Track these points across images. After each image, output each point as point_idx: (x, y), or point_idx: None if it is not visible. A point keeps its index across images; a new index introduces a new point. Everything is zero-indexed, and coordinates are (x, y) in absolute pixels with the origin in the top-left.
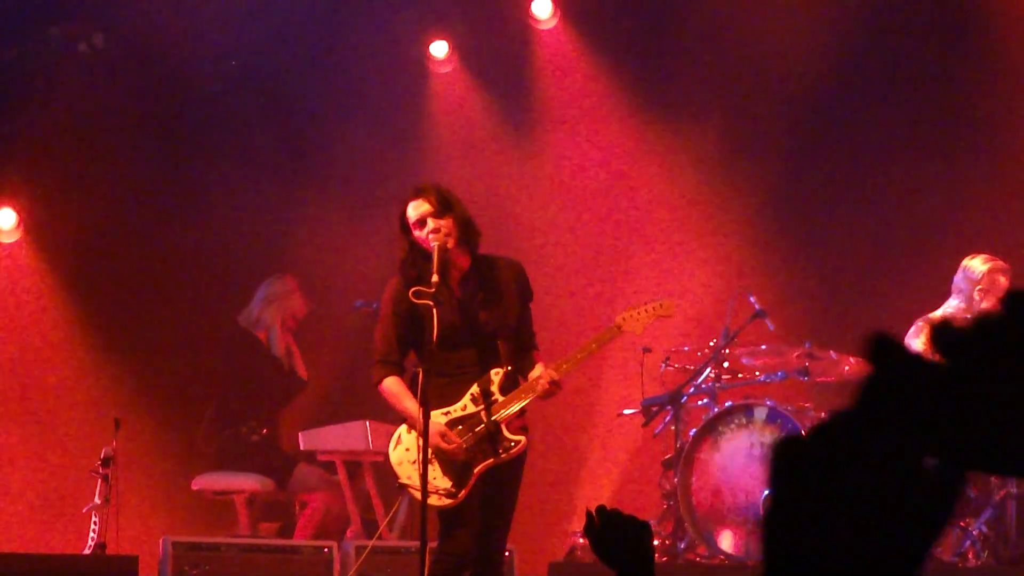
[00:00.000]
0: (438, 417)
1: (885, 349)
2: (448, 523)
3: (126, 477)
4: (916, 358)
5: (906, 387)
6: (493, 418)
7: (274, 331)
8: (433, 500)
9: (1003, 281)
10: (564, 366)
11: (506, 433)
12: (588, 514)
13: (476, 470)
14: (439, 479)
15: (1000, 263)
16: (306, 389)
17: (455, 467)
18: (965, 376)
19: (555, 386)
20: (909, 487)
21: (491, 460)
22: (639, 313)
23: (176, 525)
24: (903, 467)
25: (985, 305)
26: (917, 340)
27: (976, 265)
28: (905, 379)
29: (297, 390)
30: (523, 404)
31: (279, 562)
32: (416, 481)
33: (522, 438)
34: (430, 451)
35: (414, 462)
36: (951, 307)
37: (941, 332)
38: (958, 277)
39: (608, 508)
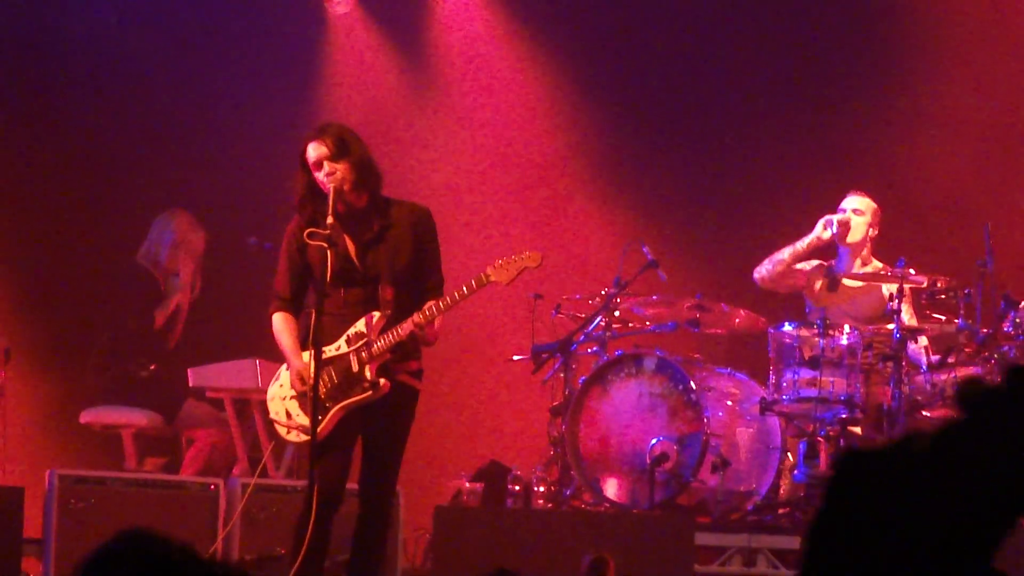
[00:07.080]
0: (307, 357)
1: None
2: (311, 460)
3: (14, 408)
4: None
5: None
6: (360, 359)
7: (175, 282)
8: (292, 436)
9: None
10: (431, 311)
11: (366, 375)
12: None
13: (333, 410)
14: (300, 416)
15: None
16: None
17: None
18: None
19: (419, 329)
20: (960, 524)
21: (347, 400)
22: (506, 263)
23: (63, 458)
24: (960, 504)
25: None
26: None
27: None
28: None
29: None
30: (389, 346)
31: (165, 498)
32: (282, 417)
33: (382, 380)
34: (293, 390)
35: (284, 398)
36: None
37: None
38: None
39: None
